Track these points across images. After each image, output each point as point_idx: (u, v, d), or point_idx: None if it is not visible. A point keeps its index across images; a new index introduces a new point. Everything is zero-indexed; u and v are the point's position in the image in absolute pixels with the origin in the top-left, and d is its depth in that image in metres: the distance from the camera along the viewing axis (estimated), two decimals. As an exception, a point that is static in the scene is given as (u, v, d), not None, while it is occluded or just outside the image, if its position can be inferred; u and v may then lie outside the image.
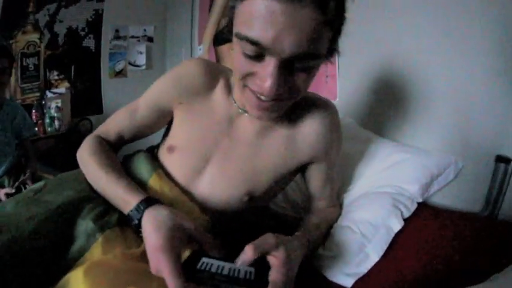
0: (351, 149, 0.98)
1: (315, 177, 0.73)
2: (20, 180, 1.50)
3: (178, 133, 0.68)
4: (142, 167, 0.66)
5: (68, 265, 0.50)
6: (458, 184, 0.86)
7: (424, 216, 0.73)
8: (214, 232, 0.59)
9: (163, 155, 0.69)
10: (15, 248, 0.47)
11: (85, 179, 0.63)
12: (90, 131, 2.66)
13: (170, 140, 0.69)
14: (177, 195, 0.62)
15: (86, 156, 0.64)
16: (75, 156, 0.68)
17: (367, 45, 1.15)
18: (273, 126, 0.64)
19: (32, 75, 2.22)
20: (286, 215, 0.94)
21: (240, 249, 0.47)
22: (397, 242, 0.68)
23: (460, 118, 0.91)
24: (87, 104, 2.67)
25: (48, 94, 2.34)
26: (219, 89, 0.66)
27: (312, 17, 0.42)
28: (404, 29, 1.03)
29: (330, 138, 0.66)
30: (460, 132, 0.91)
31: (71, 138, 2.46)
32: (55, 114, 2.37)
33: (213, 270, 0.45)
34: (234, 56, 0.50)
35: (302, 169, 0.72)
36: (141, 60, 2.78)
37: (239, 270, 0.45)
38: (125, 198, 0.55)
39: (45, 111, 2.31)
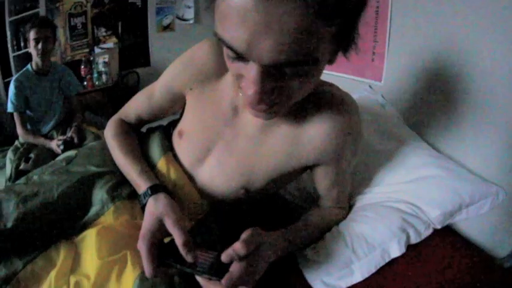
0: (382, 145, 0.94)
1: (321, 180, 0.73)
2: (66, 136, 1.79)
3: (187, 119, 0.73)
4: (154, 148, 0.76)
5: (87, 224, 0.67)
6: (491, 215, 0.78)
7: (433, 246, 0.69)
8: (213, 217, 0.69)
9: (175, 137, 0.76)
10: (46, 208, 0.65)
11: (109, 153, 0.78)
12: (138, 83, 2.92)
13: (181, 124, 0.75)
14: (180, 179, 0.70)
15: (109, 137, 0.77)
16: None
17: (425, 23, 1.02)
18: (278, 122, 0.64)
19: (80, 33, 2.49)
20: (294, 203, 0.95)
21: (237, 237, 0.52)
22: (390, 269, 0.67)
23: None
24: (135, 58, 2.87)
25: (96, 50, 2.58)
26: (228, 76, 0.66)
27: (297, 14, 0.35)
28: (470, 15, 0.88)
29: (341, 141, 0.63)
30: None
31: (118, 90, 2.70)
32: (102, 69, 2.62)
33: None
34: None
35: (308, 168, 0.71)
36: (189, 14, 2.87)
37: (207, 257, 0.53)
38: (137, 182, 0.67)
39: (93, 66, 2.56)
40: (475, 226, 0.82)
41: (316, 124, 0.62)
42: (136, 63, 2.89)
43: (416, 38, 1.06)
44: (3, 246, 0.59)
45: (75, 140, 1.76)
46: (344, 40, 0.43)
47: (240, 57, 0.42)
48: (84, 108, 2.33)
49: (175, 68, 0.72)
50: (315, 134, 0.62)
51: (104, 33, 2.56)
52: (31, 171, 1.55)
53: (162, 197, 0.61)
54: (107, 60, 2.64)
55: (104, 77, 2.65)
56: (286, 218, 0.76)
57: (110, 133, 0.78)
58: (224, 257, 0.50)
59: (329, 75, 1.42)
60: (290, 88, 0.45)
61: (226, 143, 0.67)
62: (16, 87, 1.73)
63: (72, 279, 0.57)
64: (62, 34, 2.36)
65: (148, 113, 0.79)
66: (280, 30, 0.36)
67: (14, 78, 1.78)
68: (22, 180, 0.76)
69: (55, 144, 1.73)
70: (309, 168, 0.71)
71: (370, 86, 1.24)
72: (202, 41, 0.67)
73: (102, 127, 1.83)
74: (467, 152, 0.88)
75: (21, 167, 1.63)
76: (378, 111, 1.10)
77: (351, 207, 0.84)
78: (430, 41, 1.01)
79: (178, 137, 0.74)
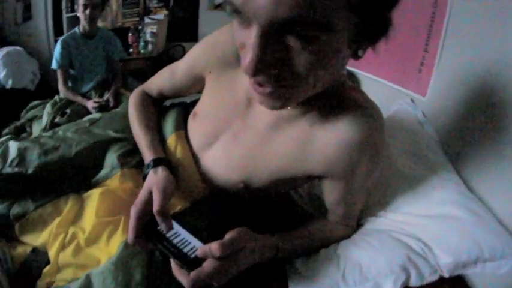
0: (410, 169, 0.87)
1: (328, 193, 0.69)
2: (102, 99, 1.92)
3: (203, 101, 0.74)
4: (169, 123, 0.78)
5: (96, 183, 0.72)
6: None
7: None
8: (210, 204, 0.71)
9: (190, 117, 0.77)
10: (63, 162, 0.72)
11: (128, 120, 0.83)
12: (182, 56, 2.98)
13: (197, 105, 0.76)
14: (185, 158, 0.71)
15: (130, 106, 0.81)
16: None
17: (483, 39, 0.90)
18: (290, 122, 0.61)
19: (132, 2, 2.60)
20: (303, 208, 0.91)
21: (227, 230, 0.53)
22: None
23: None
24: (183, 31, 2.93)
25: (146, 20, 2.66)
26: None
27: None
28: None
29: (356, 156, 0.58)
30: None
31: (162, 61, 2.78)
32: (149, 39, 2.71)
33: (168, 235, 0.56)
34: None
35: (316, 178, 0.68)
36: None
37: (189, 243, 0.54)
38: (144, 152, 0.71)
39: (141, 35, 2.65)
40: (489, 280, 0.72)
41: (331, 132, 0.58)
42: (183, 37, 2.96)
43: (471, 54, 0.94)
44: (21, 188, 0.69)
45: (111, 103, 1.88)
46: (368, 18, 0.39)
47: (239, 15, 0.39)
48: (127, 74, 2.46)
49: (199, 49, 0.72)
50: (328, 142, 0.58)
51: (156, 4, 2.64)
52: (64, 124, 1.69)
53: (160, 171, 0.64)
54: (155, 30, 2.72)
55: (150, 46, 2.74)
56: (291, 221, 0.74)
57: (131, 102, 0.81)
58: (199, 251, 0.51)
59: (369, 78, 1.34)
60: (297, 64, 0.41)
61: (234, 133, 0.67)
62: (62, 47, 1.89)
63: (71, 230, 0.64)
64: (114, 1, 2.46)
65: (169, 89, 0.81)
66: None
67: (61, 38, 1.94)
68: (49, 133, 0.84)
69: (91, 104, 1.85)
70: (317, 178, 0.67)
71: (412, 100, 1.15)
72: (228, 25, 0.66)
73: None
74: (504, 198, 0.77)
75: (57, 120, 1.77)
76: (414, 129, 1.02)
77: (359, 225, 0.80)
78: (487, 60, 0.89)
79: (193, 117, 0.75)
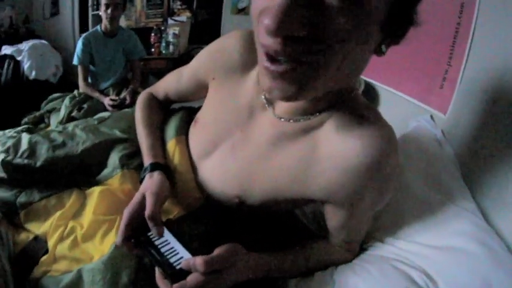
0: (424, 194, 0.82)
1: (330, 218, 0.65)
2: (119, 96, 1.98)
3: (205, 108, 0.73)
4: (171, 127, 0.79)
5: (98, 181, 0.75)
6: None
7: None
8: (205, 215, 0.70)
9: (192, 124, 0.76)
10: (69, 159, 0.75)
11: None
12: None
13: (199, 112, 0.76)
14: (182, 165, 0.71)
15: (137, 107, 0.83)
16: None
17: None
18: (292, 139, 0.58)
19: (156, 3, 2.69)
20: (306, 225, 0.88)
21: (220, 243, 0.53)
22: None
23: None
24: (205, 34, 2.97)
25: (169, 21, 2.73)
26: (255, 72, 0.63)
27: None
28: None
29: (364, 182, 0.53)
30: None
31: (183, 62, 2.82)
32: (171, 40, 2.77)
33: (157, 242, 0.56)
34: None
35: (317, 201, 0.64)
36: (266, 2, 2.83)
37: (177, 253, 0.54)
38: (144, 155, 0.72)
39: (163, 35, 2.71)
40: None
41: (337, 154, 0.53)
42: (205, 39, 2.96)
43: (497, 69, 0.88)
44: (29, 179, 0.72)
45: (127, 101, 1.93)
46: (398, 12, 0.39)
47: None
48: (148, 72, 2.53)
49: (203, 55, 0.72)
50: (332, 166, 0.54)
51: (179, 6, 2.71)
52: (81, 119, 1.75)
53: (156, 175, 0.65)
54: (177, 32, 2.77)
55: (171, 47, 2.80)
56: (291, 238, 0.72)
57: (138, 103, 0.83)
58: (184, 263, 0.51)
59: (388, 91, 1.31)
60: (329, 27, 0.36)
61: (233, 144, 0.64)
62: (83, 44, 1.98)
63: (70, 223, 0.66)
64: (139, 1, 2.54)
65: (175, 93, 0.82)
66: None
67: (83, 35, 2.04)
68: (59, 128, 0.88)
69: (107, 101, 1.91)
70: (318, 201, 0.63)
71: (431, 117, 1.11)
72: (233, 31, 0.66)
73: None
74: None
75: (73, 114, 1.84)
76: (432, 149, 0.97)
77: (362, 249, 0.76)
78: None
79: (194, 124, 0.75)
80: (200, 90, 0.75)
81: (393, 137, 0.54)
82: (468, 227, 0.71)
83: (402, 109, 1.23)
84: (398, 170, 0.60)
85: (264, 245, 0.62)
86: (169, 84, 0.82)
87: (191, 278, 0.49)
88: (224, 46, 0.67)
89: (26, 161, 0.73)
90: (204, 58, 0.72)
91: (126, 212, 0.58)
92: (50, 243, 0.64)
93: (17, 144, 0.77)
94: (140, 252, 0.58)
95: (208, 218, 0.68)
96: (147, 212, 0.57)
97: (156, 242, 0.55)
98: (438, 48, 1.05)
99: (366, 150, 0.51)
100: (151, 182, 0.63)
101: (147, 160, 0.70)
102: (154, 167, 0.67)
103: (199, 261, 0.49)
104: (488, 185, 0.81)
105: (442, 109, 1.07)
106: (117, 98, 1.95)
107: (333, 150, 0.53)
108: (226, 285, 0.52)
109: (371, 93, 1.41)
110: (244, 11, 2.90)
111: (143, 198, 0.60)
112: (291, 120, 0.57)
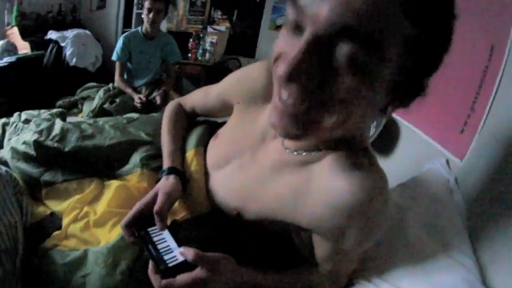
0: (422, 243, 0.80)
1: (317, 248, 0.69)
2: (150, 97, 2.11)
3: (227, 126, 0.81)
4: (193, 137, 0.86)
5: (118, 175, 0.83)
6: None
7: None
8: (209, 223, 0.75)
9: (213, 137, 0.84)
10: (95, 150, 0.84)
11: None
12: (238, 68, 3.13)
13: (222, 128, 0.83)
14: (197, 173, 0.78)
15: (165, 115, 0.91)
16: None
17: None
18: (290, 169, 0.63)
19: (198, 10, 2.84)
20: (299, 249, 0.89)
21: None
22: None
23: None
24: (242, 46, 3.08)
25: (209, 29, 2.86)
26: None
27: None
28: None
29: (346, 221, 0.56)
30: None
31: (217, 70, 2.95)
32: (208, 47, 2.89)
33: (155, 239, 0.61)
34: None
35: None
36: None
37: (171, 252, 0.58)
38: (164, 159, 0.79)
39: (201, 42, 2.83)
40: None
41: (324, 190, 0.57)
42: (241, 51, 3.11)
43: None
44: (56, 161, 0.81)
45: (158, 102, 2.06)
46: (406, 82, 0.41)
47: (296, 26, 0.41)
48: (183, 76, 2.65)
49: (231, 80, 0.79)
50: (319, 200, 0.57)
51: (220, 16, 2.84)
52: (111, 111, 1.88)
53: (172, 178, 0.72)
54: (214, 40, 2.89)
55: (207, 55, 2.92)
56: (283, 261, 0.76)
57: (167, 111, 0.91)
58: (181, 250, 0.57)
59: (408, 128, 1.31)
60: (335, 87, 0.40)
61: (241, 163, 0.72)
62: (123, 43, 2.14)
63: (86, 208, 0.74)
64: (182, 6, 2.70)
65: (201, 108, 0.90)
66: None
67: (124, 35, 2.19)
68: (91, 121, 0.97)
69: (137, 99, 2.04)
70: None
71: (447, 161, 1.09)
72: (260, 61, 0.72)
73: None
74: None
75: (105, 106, 1.98)
76: (441, 196, 0.95)
77: (350, 284, 0.76)
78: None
79: (214, 138, 0.82)
80: (224, 110, 0.83)
81: (382, 182, 0.57)
82: (459, 283, 0.70)
83: (420, 149, 1.22)
84: (387, 214, 0.62)
85: (255, 261, 0.67)
86: (197, 99, 0.90)
87: (180, 277, 0.54)
88: (250, 75, 0.73)
89: (55, 145, 0.82)
90: (231, 82, 0.79)
91: (138, 204, 0.66)
92: (64, 222, 0.72)
93: (50, 128, 0.86)
94: (137, 243, 0.64)
95: (210, 225, 0.74)
96: (156, 207, 0.64)
97: (155, 239, 0.61)
98: (464, 91, 1.04)
99: (352, 191, 0.54)
100: (166, 183, 0.70)
101: (166, 164, 0.77)
102: (171, 170, 0.74)
103: (192, 251, 0.55)
104: (492, 241, 0.80)
105: (459, 154, 1.05)
106: (143, 97, 2.06)
107: (323, 186, 0.57)
108: None
109: (392, 127, 1.42)
110: (281, 27, 2.99)
111: (156, 195, 0.67)
112: (295, 153, 0.62)
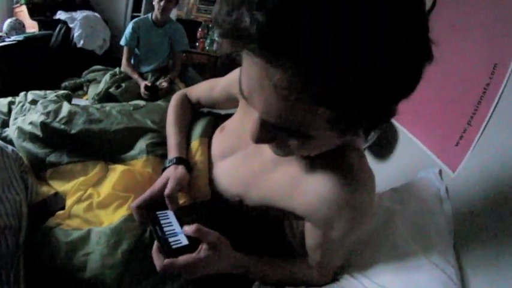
0: (405, 242, 0.85)
1: (308, 236, 0.73)
2: (158, 82, 2.14)
3: (233, 119, 0.85)
4: (197, 129, 0.90)
5: (123, 160, 0.88)
6: None
7: None
8: (208, 210, 0.79)
9: (219, 129, 0.88)
10: (102, 134, 0.88)
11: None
12: None
13: (228, 121, 0.88)
14: (201, 162, 0.82)
15: (170, 105, 0.96)
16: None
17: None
18: (289, 161, 0.68)
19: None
20: (290, 242, 0.93)
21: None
22: None
23: None
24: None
25: (218, 19, 2.83)
26: None
27: (283, 85, 0.36)
28: None
29: (333, 213, 0.62)
30: None
31: (223, 62, 2.95)
32: (216, 38, 2.87)
33: (162, 222, 0.66)
34: None
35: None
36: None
37: (176, 235, 0.63)
38: (170, 148, 0.84)
39: (209, 32, 2.83)
40: None
41: (315, 183, 0.63)
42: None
43: None
44: (62, 142, 0.85)
45: (163, 86, 2.09)
46: (345, 124, 0.42)
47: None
48: (189, 64, 2.67)
49: (238, 74, 0.81)
50: (311, 191, 0.63)
51: (231, 5, 2.83)
52: (116, 96, 1.90)
53: (180, 168, 0.77)
54: (223, 32, 2.89)
55: (215, 45, 2.93)
56: (276, 250, 0.80)
57: (172, 102, 0.96)
58: (186, 228, 0.63)
59: (406, 135, 1.32)
60: (290, 145, 0.49)
61: (246, 153, 0.77)
62: (133, 28, 2.17)
63: (90, 190, 0.78)
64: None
65: (206, 100, 0.95)
66: (270, 95, 0.39)
67: (134, 20, 2.22)
68: (98, 105, 1.01)
69: (143, 85, 2.06)
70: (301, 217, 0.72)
71: (440, 171, 1.12)
72: None
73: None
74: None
75: (111, 90, 2.00)
76: (431, 204, 0.97)
77: (335, 280, 0.81)
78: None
79: (220, 130, 0.87)
80: (229, 103, 0.88)
81: (370, 181, 0.63)
82: (433, 285, 0.73)
83: (416, 156, 1.23)
84: (372, 211, 0.68)
85: (250, 248, 0.72)
86: (202, 91, 0.94)
87: (182, 258, 0.59)
88: None
89: (62, 127, 0.85)
90: (237, 77, 0.82)
91: (151, 188, 0.71)
92: (68, 202, 0.76)
93: (57, 110, 0.90)
94: (145, 223, 0.69)
95: (211, 213, 0.78)
96: (167, 191, 0.70)
97: (162, 222, 0.66)
98: (463, 105, 1.06)
99: (338, 188, 0.60)
100: (176, 171, 0.75)
101: (172, 153, 0.82)
102: (180, 161, 0.79)
103: (193, 226, 0.61)
104: (477, 255, 0.83)
105: (452, 166, 1.07)
106: (149, 83, 2.08)
107: (314, 179, 0.63)
108: (207, 271, 0.62)
109: (390, 131, 1.44)
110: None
111: (166, 181, 0.72)
112: None
